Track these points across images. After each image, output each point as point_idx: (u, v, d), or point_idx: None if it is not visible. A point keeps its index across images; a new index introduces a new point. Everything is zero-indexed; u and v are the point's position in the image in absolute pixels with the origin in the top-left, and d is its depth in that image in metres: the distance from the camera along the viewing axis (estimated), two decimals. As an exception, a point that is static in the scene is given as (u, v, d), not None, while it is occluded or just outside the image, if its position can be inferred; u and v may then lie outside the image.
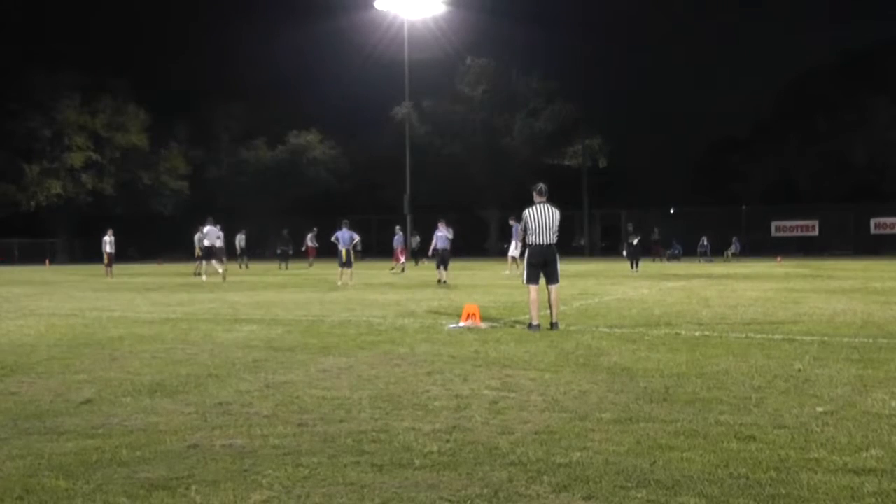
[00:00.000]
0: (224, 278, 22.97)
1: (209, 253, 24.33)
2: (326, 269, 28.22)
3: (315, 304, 14.03)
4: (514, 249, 23.86)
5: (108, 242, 27.48)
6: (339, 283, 19.07)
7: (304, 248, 34.87)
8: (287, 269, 32.08)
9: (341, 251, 19.49)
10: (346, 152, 61.09)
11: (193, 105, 57.68)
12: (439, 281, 19.69)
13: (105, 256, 27.40)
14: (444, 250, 20.01)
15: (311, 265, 33.31)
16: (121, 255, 27.34)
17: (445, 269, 19.92)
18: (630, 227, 28.56)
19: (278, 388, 5.94)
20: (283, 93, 61.49)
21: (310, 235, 35.13)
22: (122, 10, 66.88)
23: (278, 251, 34.60)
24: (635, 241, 26.97)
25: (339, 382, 6.16)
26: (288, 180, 59.19)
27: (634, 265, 26.27)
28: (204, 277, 23.77)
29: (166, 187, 56.13)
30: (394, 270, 27.08)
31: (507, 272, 24.74)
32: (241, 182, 59.68)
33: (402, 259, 27.57)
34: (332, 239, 19.91)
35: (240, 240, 34.48)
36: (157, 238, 53.51)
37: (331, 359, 7.35)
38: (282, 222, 46.15)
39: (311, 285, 20.19)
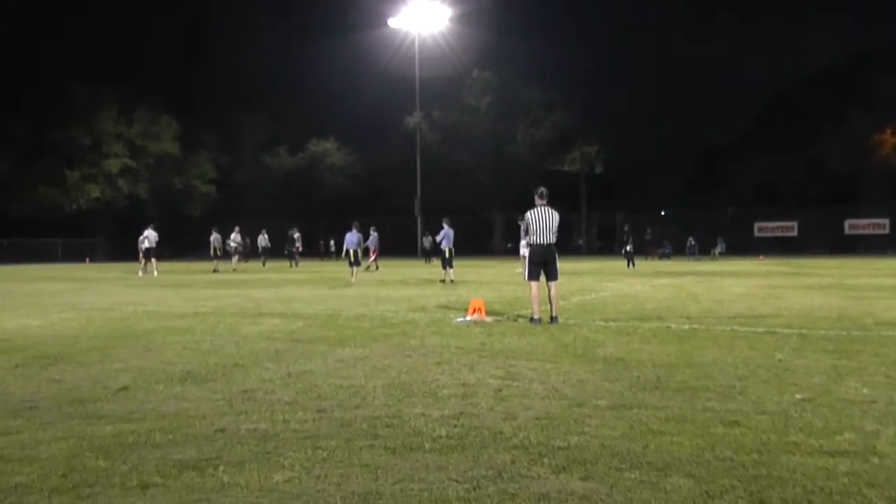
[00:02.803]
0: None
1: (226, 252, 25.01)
2: (331, 268, 28.16)
3: (332, 299, 14.04)
4: (524, 248, 23.78)
5: (148, 238, 26.70)
6: (353, 281, 19.01)
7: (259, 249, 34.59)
8: (297, 266, 32.18)
9: (349, 252, 19.41)
10: (360, 159, 61.16)
11: (221, 115, 57.81)
12: (442, 281, 19.41)
13: (141, 253, 27.05)
14: (450, 249, 19.75)
15: (264, 265, 32.99)
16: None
17: (450, 267, 19.67)
18: (626, 229, 28.62)
19: (299, 377, 5.95)
20: (304, 104, 61.65)
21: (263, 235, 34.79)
22: (158, 26, 66.95)
23: (286, 251, 34.59)
24: (629, 247, 27.21)
25: (354, 372, 6.17)
26: (307, 185, 59.36)
27: (631, 263, 26.34)
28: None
29: (196, 191, 56.30)
30: (369, 269, 26.79)
31: (520, 270, 24.72)
32: (263, 186, 59.85)
33: (373, 257, 27.25)
34: (346, 243, 19.75)
35: (262, 240, 34.60)
36: (187, 237, 53.64)
37: (347, 350, 7.35)
38: (301, 224, 46.21)
39: (327, 282, 20.22)
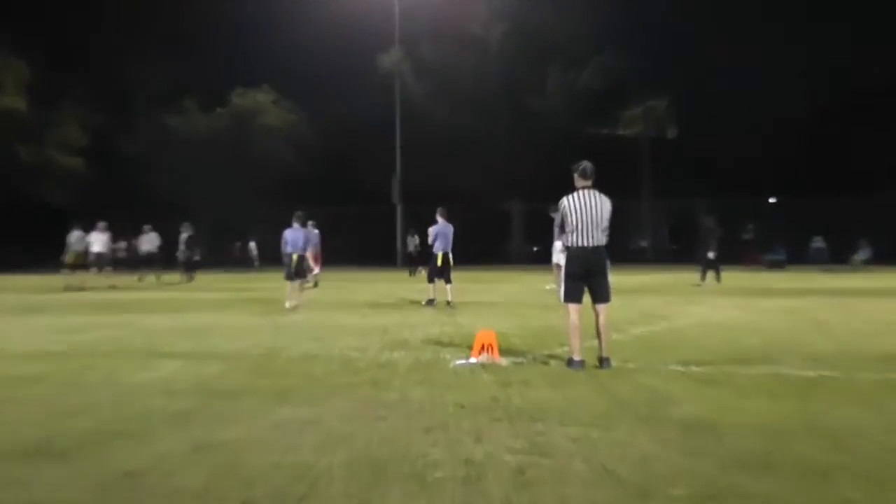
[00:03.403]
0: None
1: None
2: (259, 283, 27.87)
3: (265, 331, 13.92)
4: (559, 253, 23.78)
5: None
6: (288, 305, 18.75)
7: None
8: (191, 280, 32.70)
9: (291, 257, 19.20)
10: (311, 120, 61.21)
11: (98, 56, 57.86)
12: (429, 302, 19.42)
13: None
14: (445, 254, 19.71)
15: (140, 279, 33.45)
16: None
17: (447, 281, 19.71)
18: (708, 224, 28.32)
19: (213, 451, 5.90)
20: (221, 39, 61.70)
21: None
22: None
23: (181, 258, 34.65)
24: (712, 252, 26.88)
25: (299, 442, 6.11)
26: (231, 156, 59.40)
27: (715, 275, 26.27)
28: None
29: (54, 165, 56.16)
30: (304, 287, 26.82)
31: (554, 286, 24.70)
32: (164, 159, 59.83)
33: (317, 269, 27.20)
34: (283, 242, 19.56)
35: (147, 241, 34.76)
36: (40, 237, 53.45)
37: (288, 408, 7.31)
38: (221, 217, 46.15)
39: (256, 304, 20.10)
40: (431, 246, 20.11)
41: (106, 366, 10.01)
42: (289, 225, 19.60)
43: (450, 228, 19.84)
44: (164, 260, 35.20)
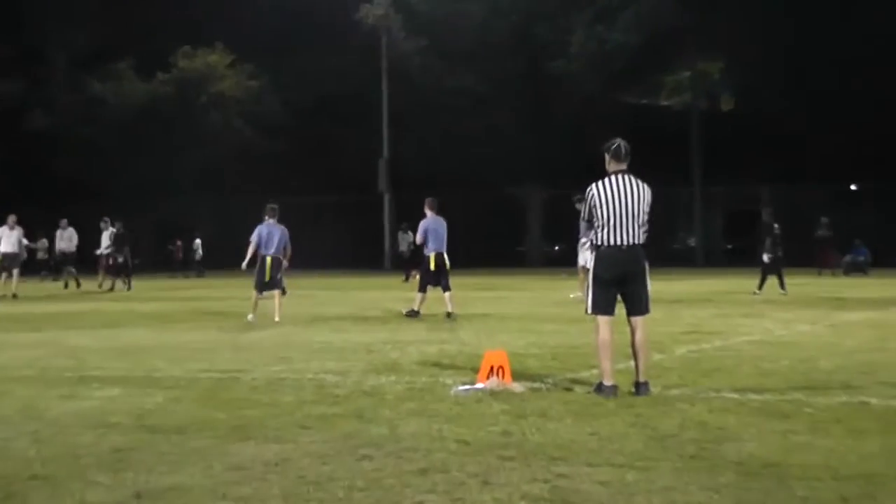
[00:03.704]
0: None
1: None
2: (218, 291, 27.93)
3: (224, 349, 13.97)
4: (586, 253, 23.79)
5: None
6: (251, 318, 18.80)
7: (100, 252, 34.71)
8: (129, 287, 32.82)
9: (265, 260, 19.20)
10: (276, 86, 61.13)
11: (7, 8, 57.76)
12: (411, 313, 19.56)
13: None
14: (439, 255, 19.75)
15: (101, 284, 33.58)
16: None
17: (445, 288, 19.73)
18: (764, 218, 28.29)
19: (158, 500, 5.89)
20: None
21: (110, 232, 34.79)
22: None
23: (99, 252, 34.65)
24: (768, 254, 26.82)
25: (264, 489, 6.11)
26: (176, 133, 59.27)
27: (779, 282, 26.28)
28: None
29: None
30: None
31: (580, 294, 24.72)
32: (90, 136, 59.74)
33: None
34: (252, 238, 19.63)
35: (64, 237, 34.86)
36: None
37: (251, 446, 7.32)
38: (164, 206, 46.10)
39: (213, 318, 20.14)
40: (422, 246, 20.15)
41: (22, 394, 10.01)
42: (258, 220, 19.64)
43: (442, 223, 19.89)
44: (81, 261, 35.21)
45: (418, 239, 20.34)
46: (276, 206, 19.85)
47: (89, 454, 7.13)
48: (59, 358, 13.26)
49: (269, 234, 19.37)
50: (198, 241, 51.05)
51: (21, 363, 12.72)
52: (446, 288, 19.67)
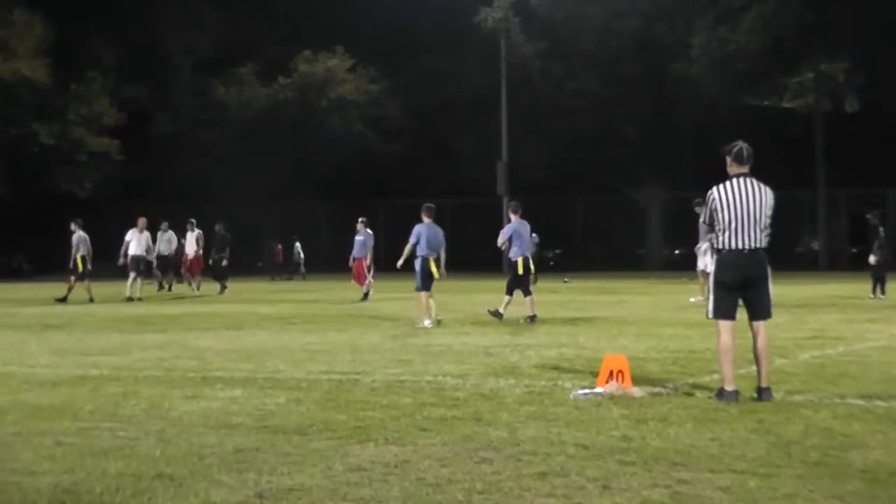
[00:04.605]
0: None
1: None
2: (330, 292, 28.28)
3: (343, 351, 14.07)
4: (706, 257, 23.59)
5: None
6: (427, 323, 18.51)
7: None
8: (224, 290, 33.08)
9: (427, 261, 19.17)
10: (396, 90, 61.32)
11: (129, 12, 58.47)
12: (494, 313, 19.48)
13: None
14: (525, 258, 19.66)
15: (194, 286, 33.84)
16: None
17: (527, 293, 19.66)
18: (874, 219, 27.75)
19: (279, 500, 5.95)
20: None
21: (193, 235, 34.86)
22: None
23: (210, 260, 34.98)
24: (874, 255, 26.39)
25: (383, 491, 6.14)
26: (296, 138, 59.62)
27: (878, 288, 25.88)
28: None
29: (83, 149, 57.02)
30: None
31: (700, 298, 24.55)
32: (211, 141, 60.44)
33: (370, 278, 27.54)
34: (411, 238, 19.58)
35: (165, 239, 35.23)
36: (64, 238, 54.73)
37: (370, 448, 7.36)
38: (284, 210, 46.65)
39: (334, 320, 20.31)
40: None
41: (148, 394, 10.20)
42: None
43: (526, 227, 19.86)
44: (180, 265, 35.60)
45: (500, 241, 20.29)
46: (433, 205, 19.88)
47: (213, 454, 7.23)
48: (184, 359, 13.51)
49: (431, 233, 19.49)
50: (297, 244, 51.61)
51: (147, 364, 12.98)
52: (527, 293, 19.64)
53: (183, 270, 34.84)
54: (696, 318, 17.50)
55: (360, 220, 28.69)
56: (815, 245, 57.66)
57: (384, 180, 58.38)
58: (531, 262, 19.99)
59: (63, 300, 27.98)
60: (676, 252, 57.40)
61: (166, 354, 14.10)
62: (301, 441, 7.67)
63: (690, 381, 10.63)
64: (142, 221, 30.99)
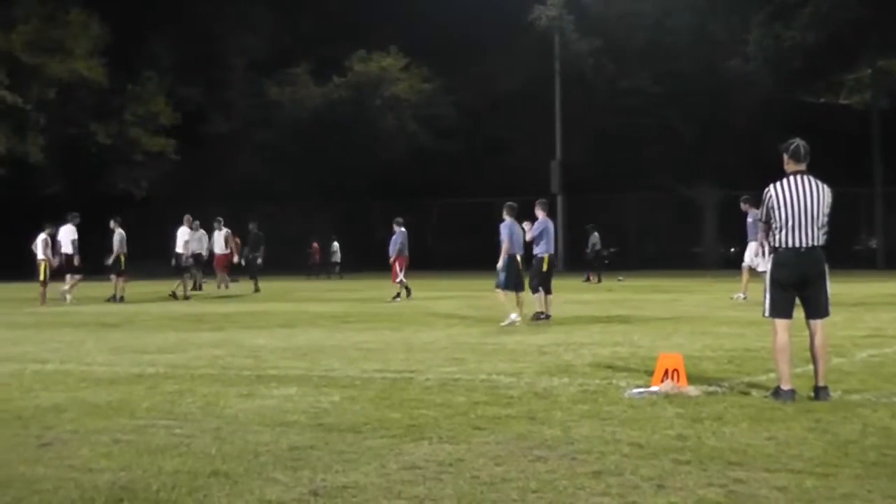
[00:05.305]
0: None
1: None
2: (383, 290, 28.47)
3: (397, 349, 14.15)
4: (754, 255, 23.42)
5: (61, 240, 28.52)
6: (514, 317, 18.67)
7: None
8: (258, 291, 33.31)
9: (516, 259, 19.43)
10: (450, 88, 61.37)
11: (187, 10, 58.90)
12: (536, 316, 19.39)
13: (41, 267, 28.22)
14: (551, 255, 19.62)
15: (223, 285, 33.97)
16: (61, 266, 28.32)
17: (548, 291, 19.61)
18: None
19: (334, 498, 5.98)
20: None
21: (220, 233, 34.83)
22: None
23: (244, 259, 35.19)
24: None
25: (438, 489, 6.16)
26: (349, 137, 59.81)
27: None
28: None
29: (139, 149, 57.51)
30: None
31: (741, 295, 24.29)
32: (265, 141, 60.77)
33: (401, 276, 27.68)
34: (503, 237, 19.60)
35: (219, 237, 35.34)
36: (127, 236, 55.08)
37: (424, 446, 7.39)
38: (337, 209, 46.86)
39: (388, 319, 20.39)
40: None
41: (204, 392, 10.31)
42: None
43: (551, 224, 19.90)
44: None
45: (529, 237, 20.12)
46: (515, 204, 19.89)
47: (268, 452, 7.29)
48: (239, 357, 13.64)
49: (513, 231, 19.53)
50: (335, 244, 51.70)
51: (203, 362, 13.13)
52: (548, 290, 19.60)
53: (219, 270, 34.91)
54: (752, 317, 17.39)
55: (395, 219, 28.94)
56: (873, 243, 57.14)
57: (437, 179, 58.38)
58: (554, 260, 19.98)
59: (117, 299, 28.20)
60: (732, 250, 57.07)
61: (221, 353, 14.25)
62: (355, 439, 7.72)
63: (746, 379, 10.58)
64: (195, 222, 31.30)
